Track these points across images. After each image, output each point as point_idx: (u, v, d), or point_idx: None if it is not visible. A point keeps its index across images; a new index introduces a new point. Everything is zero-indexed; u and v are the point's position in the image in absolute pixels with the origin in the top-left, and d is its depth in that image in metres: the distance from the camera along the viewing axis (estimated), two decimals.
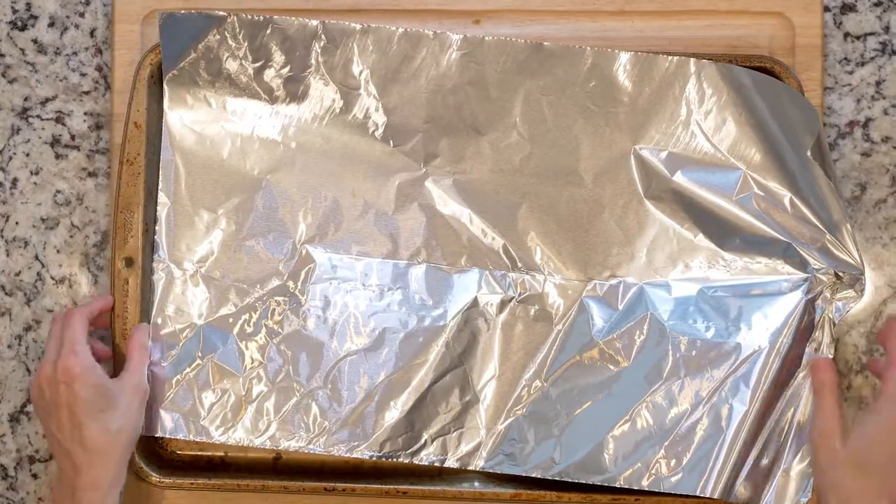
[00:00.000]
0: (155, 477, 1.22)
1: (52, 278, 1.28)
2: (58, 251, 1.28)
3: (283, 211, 1.23)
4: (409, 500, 1.23)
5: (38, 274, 1.28)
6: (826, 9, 1.27)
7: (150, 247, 1.23)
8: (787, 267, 1.21)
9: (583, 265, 1.22)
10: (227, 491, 1.20)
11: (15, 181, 1.28)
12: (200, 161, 1.23)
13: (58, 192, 1.28)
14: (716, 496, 1.19)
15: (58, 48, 1.28)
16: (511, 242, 1.23)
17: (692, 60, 1.20)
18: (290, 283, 1.23)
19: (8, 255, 1.28)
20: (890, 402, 1.12)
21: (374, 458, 1.21)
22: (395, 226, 1.23)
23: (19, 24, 1.28)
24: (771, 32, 1.25)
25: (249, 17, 1.21)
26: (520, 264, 1.23)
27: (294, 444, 1.21)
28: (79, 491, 1.14)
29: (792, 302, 1.21)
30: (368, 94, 1.22)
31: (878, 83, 1.27)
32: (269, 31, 1.21)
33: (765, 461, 1.20)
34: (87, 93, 1.28)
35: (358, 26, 1.21)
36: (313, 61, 1.22)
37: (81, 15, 1.28)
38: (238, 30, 1.21)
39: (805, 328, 1.20)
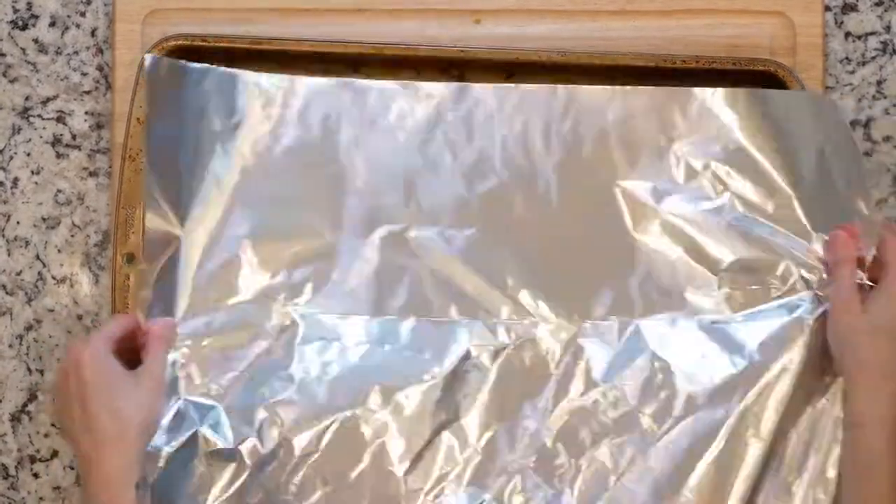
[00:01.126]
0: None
1: (53, 278, 1.28)
2: (59, 251, 1.28)
3: (264, 270, 1.19)
4: None
5: (39, 273, 1.28)
6: (827, 8, 1.27)
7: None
8: (785, 288, 1.19)
9: (575, 306, 1.19)
10: None
11: (16, 181, 1.28)
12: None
13: (59, 191, 1.28)
14: None
15: (59, 48, 1.28)
16: (499, 289, 1.19)
17: (672, 90, 1.20)
18: (276, 347, 1.18)
19: (9, 255, 1.28)
20: None
21: None
22: (380, 281, 1.19)
23: (20, 23, 1.28)
24: (772, 32, 1.25)
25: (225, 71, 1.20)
26: (510, 311, 1.19)
27: None
28: (90, 485, 1.11)
29: (796, 325, 1.18)
30: (348, 146, 1.21)
31: (879, 83, 1.27)
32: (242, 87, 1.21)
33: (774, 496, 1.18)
34: (88, 92, 1.28)
35: (334, 81, 1.20)
36: (294, 115, 1.21)
37: (82, 14, 1.28)
38: (213, 84, 1.20)
39: (818, 348, 1.18)
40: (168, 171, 1.19)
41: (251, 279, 1.19)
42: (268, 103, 1.21)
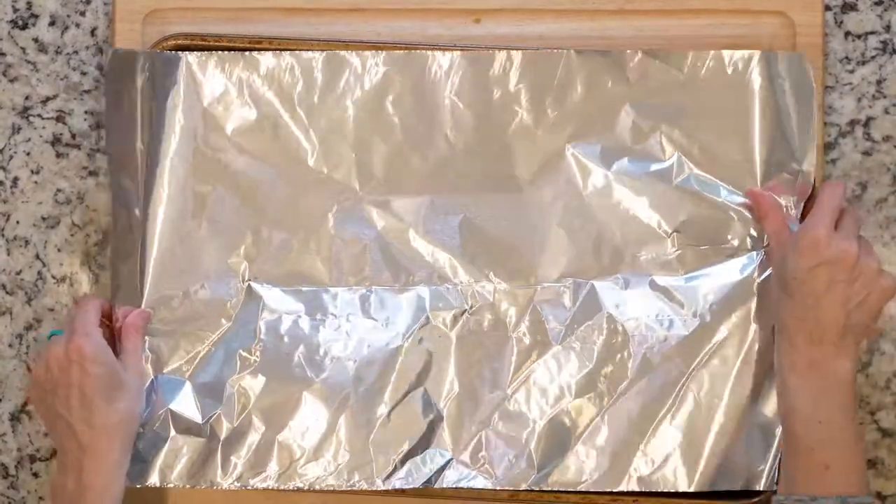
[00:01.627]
0: None
1: (53, 277, 1.28)
2: (59, 250, 1.28)
3: (223, 249, 1.22)
4: (407, 499, 1.23)
5: (39, 273, 1.28)
6: (827, 7, 1.26)
7: None
8: (735, 248, 1.21)
9: (530, 270, 1.21)
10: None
11: (16, 180, 1.29)
12: None
13: (58, 190, 1.28)
14: (695, 489, 1.20)
15: (58, 47, 1.28)
16: (455, 255, 1.21)
17: (621, 53, 1.21)
18: (240, 323, 1.21)
19: (9, 254, 1.28)
20: (812, 219, 1.13)
21: (343, 489, 1.20)
22: (337, 252, 1.22)
23: (20, 22, 1.29)
24: (772, 31, 1.25)
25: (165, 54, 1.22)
26: (467, 276, 1.21)
27: (262, 483, 1.20)
28: (85, 472, 1.14)
29: (746, 284, 1.20)
30: (298, 120, 1.22)
31: (878, 82, 1.27)
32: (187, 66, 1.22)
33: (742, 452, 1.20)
34: (87, 91, 1.28)
35: (286, 56, 1.21)
36: (244, 89, 1.22)
37: (82, 14, 1.28)
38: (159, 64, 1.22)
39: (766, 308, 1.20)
40: (127, 158, 1.21)
41: (212, 258, 1.21)
42: (218, 82, 1.22)
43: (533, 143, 1.21)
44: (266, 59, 1.21)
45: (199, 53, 1.21)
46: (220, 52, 1.21)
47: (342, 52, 1.21)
